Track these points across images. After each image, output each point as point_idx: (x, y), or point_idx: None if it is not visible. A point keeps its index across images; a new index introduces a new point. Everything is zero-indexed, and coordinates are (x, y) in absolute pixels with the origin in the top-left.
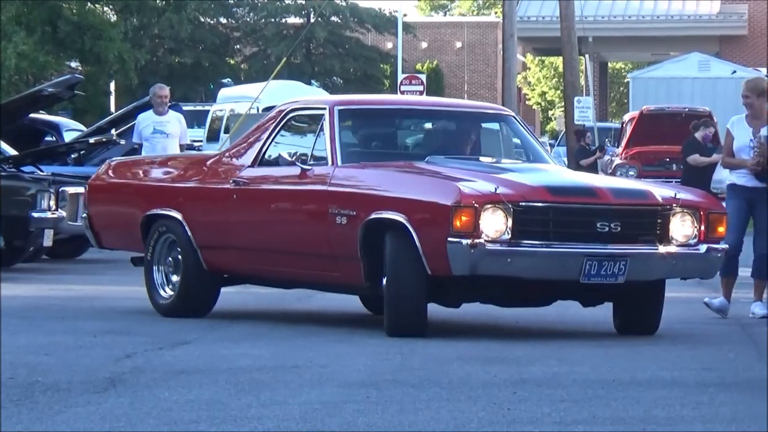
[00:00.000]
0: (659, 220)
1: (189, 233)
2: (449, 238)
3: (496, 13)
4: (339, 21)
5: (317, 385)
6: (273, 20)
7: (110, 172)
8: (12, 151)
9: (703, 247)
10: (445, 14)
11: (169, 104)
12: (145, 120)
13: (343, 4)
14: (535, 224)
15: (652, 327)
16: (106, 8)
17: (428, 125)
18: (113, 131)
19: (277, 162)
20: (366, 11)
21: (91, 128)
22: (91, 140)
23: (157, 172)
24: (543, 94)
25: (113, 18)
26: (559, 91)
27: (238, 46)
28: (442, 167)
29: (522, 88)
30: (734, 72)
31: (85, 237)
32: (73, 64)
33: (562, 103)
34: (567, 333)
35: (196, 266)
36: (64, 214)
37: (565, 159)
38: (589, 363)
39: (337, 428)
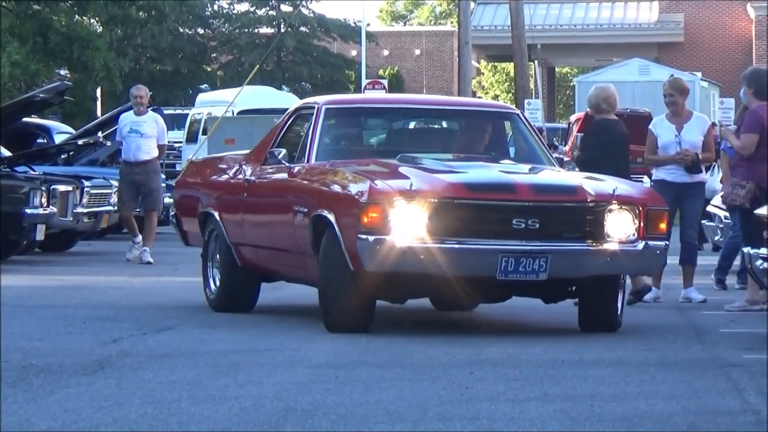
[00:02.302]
0: (589, 216)
1: (224, 230)
2: (359, 235)
3: (452, 22)
4: (307, 31)
5: (289, 366)
6: (246, 30)
7: (186, 172)
8: (6, 153)
9: (640, 244)
10: (404, 24)
11: (148, 105)
12: (125, 120)
13: (311, 15)
14: (450, 220)
15: (613, 324)
16: (92, 20)
17: (415, 124)
18: (100, 134)
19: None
20: (332, 21)
21: (79, 131)
22: (80, 142)
23: (211, 172)
24: (496, 97)
25: (99, 29)
26: (510, 95)
27: (214, 55)
28: (398, 164)
29: (476, 92)
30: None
31: (74, 231)
32: (63, 72)
33: (514, 106)
34: (520, 319)
35: (232, 262)
36: (54, 210)
37: None
38: (540, 345)
39: (308, 406)
